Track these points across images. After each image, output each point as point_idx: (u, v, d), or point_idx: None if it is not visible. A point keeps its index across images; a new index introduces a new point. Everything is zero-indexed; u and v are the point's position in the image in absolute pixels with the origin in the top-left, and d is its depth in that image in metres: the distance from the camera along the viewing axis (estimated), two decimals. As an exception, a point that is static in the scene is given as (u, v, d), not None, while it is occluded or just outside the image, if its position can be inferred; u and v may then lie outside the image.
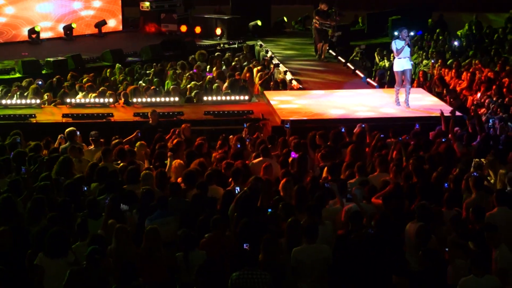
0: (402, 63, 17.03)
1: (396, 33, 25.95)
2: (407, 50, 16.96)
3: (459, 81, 20.10)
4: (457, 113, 15.62)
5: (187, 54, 24.47)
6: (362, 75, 22.35)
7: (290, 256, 9.37)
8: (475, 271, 8.64)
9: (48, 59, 23.22)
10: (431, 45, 25.47)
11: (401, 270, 8.79)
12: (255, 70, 21.77)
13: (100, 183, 11.56)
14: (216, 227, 9.72)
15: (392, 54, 23.55)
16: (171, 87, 19.37)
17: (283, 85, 20.40)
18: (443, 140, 13.60)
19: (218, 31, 28.45)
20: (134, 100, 18.00)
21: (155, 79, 20.39)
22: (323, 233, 9.72)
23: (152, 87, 19.30)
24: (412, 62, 18.23)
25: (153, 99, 18.02)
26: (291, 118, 16.02)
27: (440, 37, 26.20)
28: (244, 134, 14.50)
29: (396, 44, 16.95)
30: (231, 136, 14.28)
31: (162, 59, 23.86)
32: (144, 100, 18.01)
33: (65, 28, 28.73)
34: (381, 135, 13.85)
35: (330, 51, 24.61)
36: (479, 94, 18.34)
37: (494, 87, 18.20)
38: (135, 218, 10.58)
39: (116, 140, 14.06)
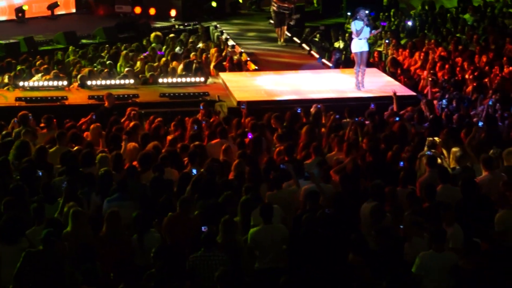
0: (360, 44, 16.95)
1: (349, 14, 26.13)
2: (366, 30, 16.82)
3: (413, 60, 20.25)
4: (411, 93, 15.79)
5: (141, 36, 24.28)
6: (317, 56, 22.42)
7: (247, 236, 9.42)
8: (435, 246, 8.78)
9: (0, 41, 22.85)
10: (386, 25, 25.60)
11: (358, 249, 8.89)
12: (211, 51, 21.71)
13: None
14: (182, 207, 9.71)
15: (347, 35, 23.73)
16: (126, 69, 19.22)
17: (239, 66, 20.38)
18: (397, 119, 13.73)
19: (173, 12, 28.24)
20: (89, 83, 17.82)
21: (109, 62, 20.20)
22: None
23: (106, 70, 19.12)
24: (374, 32, 18.10)
25: (108, 82, 17.87)
26: (247, 100, 16.01)
27: (395, 18, 26.34)
28: (200, 116, 14.48)
29: (355, 25, 16.83)
30: (187, 118, 14.24)
31: (116, 41, 23.63)
32: (98, 83, 17.85)
33: (16, 10, 28.26)
34: (337, 116, 13.93)
35: (286, 32, 24.58)
36: (428, 73, 18.47)
37: (447, 66, 18.38)
38: (96, 200, 10.52)
39: (70, 123, 13.92)
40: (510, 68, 17.51)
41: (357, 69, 17.15)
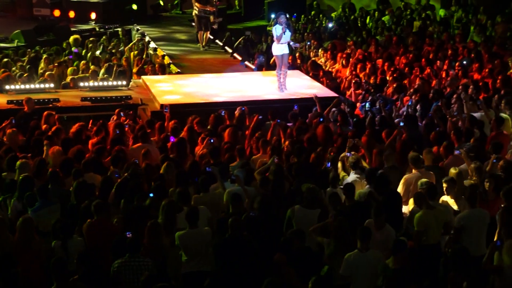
0: (281, 47, 16.94)
1: (272, 16, 26.22)
2: (287, 35, 16.81)
3: (334, 62, 20.47)
4: (333, 94, 15.95)
5: (61, 39, 23.87)
6: (240, 59, 22.45)
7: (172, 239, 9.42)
8: (360, 246, 8.89)
9: None
10: (307, 27, 25.82)
11: (284, 249, 8.93)
12: (132, 54, 21.50)
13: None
14: (99, 213, 9.57)
15: (269, 37, 23.83)
16: (47, 73, 18.86)
17: (161, 70, 20.23)
18: (321, 120, 13.84)
19: (93, 15, 27.86)
20: (7, 87, 17.42)
21: (28, 66, 19.80)
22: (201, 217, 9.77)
23: (25, 74, 18.73)
24: (297, 45, 18.16)
25: (28, 86, 17.50)
26: (170, 103, 15.91)
27: (316, 20, 26.60)
28: (121, 120, 14.31)
29: (276, 31, 16.88)
30: (110, 122, 14.07)
31: (35, 44, 23.18)
32: (18, 87, 17.46)
33: None
34: (260, 117, 13.95)
35: (209, 35, 24.50)
36: (350, 75, 18.70)
37: (368, 67, 18.63)
38: (17, 206, 10.28)
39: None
40: (428, 69, 17.85)
41: (279, 71, 17.21)
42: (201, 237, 9.38)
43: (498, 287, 8.63)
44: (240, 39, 24.28)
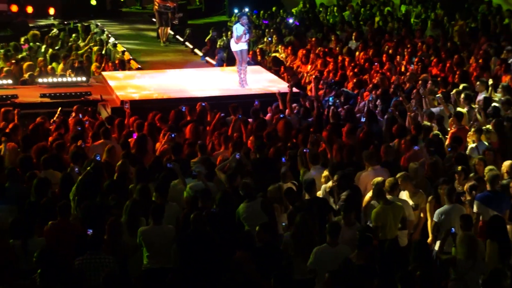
0: (241, 45, 16.97)
1: (236, 11, 26.22)
2: (246, 37, 16.84)
3: (295, 58, 20.51)
4: (295, 90, 15.99)
5: (19, 35, 23.57)
6: (201, 54, 22.41)
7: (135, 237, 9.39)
8: (329, 240, 8.95)
9: None
10: (269, 23, 25.84)
11: (246, 246, 8.94)
12: (93, 50, 21.35)
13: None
14: (62, 214, 9.50)
15: (229, 33, 23.80)
16: (4, 69, 18.63)
17: (122, 65, 20.11)
18: (281, 116, 13.87)
19: (51, 10, 27.56)
20: (-36, 84, 17.20)
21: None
22: (169, 213, 9.75)
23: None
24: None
25: (-16, 83, 17.30)
26: (130, 99, 15.81)
27: (277, 16, 26.64)
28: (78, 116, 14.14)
29: (237, 30, 16.85)
30: (70, 119, 13.93)
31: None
32: (-26, 83, 17.25)
33: None
34: (222, 114, 13.94)
35: (170, 31, 24.42)
36: (312, 71, 18.76)
37: (331, 63, 18.69)
38: None
39: None
40: (388, 64, 17.98)
41: (239, 67, 17.21)
42: (164, 234, 9.36)
43: (453, 278, 8.77)
44: (186, 32, 24.14)
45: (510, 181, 10.63)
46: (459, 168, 10.96)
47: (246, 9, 26.74)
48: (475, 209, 10.02)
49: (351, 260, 8.64)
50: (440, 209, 10.01)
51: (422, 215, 10.50)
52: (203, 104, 14.55)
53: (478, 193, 10.27)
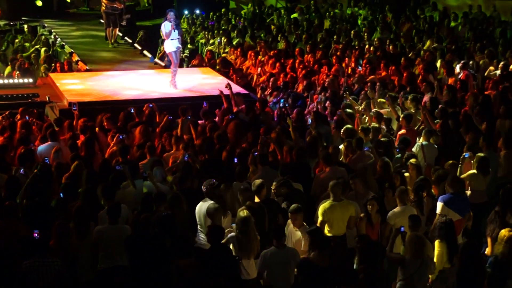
0: (173, 43, 16.79)
1: (186, 12, 26.17)
2: (175, 32, 16.68)
3: (245, 59, 20.56)
4: (243, 91, 16.02)
5: (-36, 35, 23.26)
6: (150, 56, 22.31)
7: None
8: (275, 243, 9.00)
9: None
10: (215, 25, 25.85)
11: (188, 251, 8.98)
12: (41, 52, 21.11)
13: None
14: (8, 215, 9.37)
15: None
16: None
17: (69, 67, 19.91)
18: (231, 117, 13.88)
19: (-3, 11, 27.23)
20: None
21: None
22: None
23: None
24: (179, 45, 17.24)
25: None
26: (78, 101, 15.66)
27: (226, 17, 26.65)
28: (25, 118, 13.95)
29: (165, 28, 16.74)
30: (18, 122, 13.74)
31: None
32: None
33: None
34: (170, 117, 13.86)
35: (118, 32, 24.26)
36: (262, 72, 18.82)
37: (278, 65, 18.77)
38: None
39: None
40: (336, 66, 18.13)
41: (174, 68, 17.08)
42: (120, 233, 9.30)
43: (400, 278, 8.87)
44: (140, 34, 24.04)
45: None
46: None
47: (198, 11, 26.82)
48: (438, 210, 10.09)
49: (310, 261, 8.69)
50: (393, 211, 10.10)
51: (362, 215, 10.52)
52: (151, 105, 14.49)
53: (425, 193, 10.43)
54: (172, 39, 16.72)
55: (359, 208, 10.27)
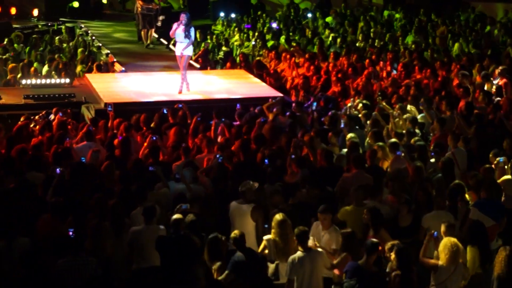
0: (179, 47, 16.62)
1: (222, 14, 26.29)
2: (180, 34, 16.46)
3: (279, 62, 20.56)
4: (278, 94, 16.04)
5: (2, 36, 23.48)
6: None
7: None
8: (301, 247, 8.99)
9: None
10: (250, 28, 25.88)
11: (219, 253, 9.02)
12: (78, 52, 21.33)
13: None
14: (47, 212, 9.50)
15: (214, 37, 23.88)
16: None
17: (105, 68, 20.10)
18: (262, 120, 13.86)
19: (35, 12, 27.52)
20: None
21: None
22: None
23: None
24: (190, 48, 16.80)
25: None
26: (113, 101, 15.81)
27: (261, 20, 26.69)
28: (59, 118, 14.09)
29: (173, 26, 16.72)
30: (54, 122, 13.91)
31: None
32: (-42, 84, 17.19)
33: None
34: (199, 118, 13.86)
35: (154, 33, 24.42)
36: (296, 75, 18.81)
37: (312, 68, 18.76)
38: None
39: None
40: (370, 69, 18.06)
41: (183, 71, 16.91)
42: (155, 234, 9.37)
43: (433, 284, 8.83)
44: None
45: None
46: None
47: (233, 15, 26.89)
48: (471, 215, 10.03)
49: (360, 266, 8.69)
50: (427, 215, 10.04)
51: None
52: (180, 105, 14.53)
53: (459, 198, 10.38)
54: (178, 42, 16.59)
55: (386, 211, 10.24)
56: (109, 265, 9.24)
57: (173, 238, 9.17)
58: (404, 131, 13.06)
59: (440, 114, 14.15)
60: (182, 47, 16.52)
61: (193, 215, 9.59)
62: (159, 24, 24.37)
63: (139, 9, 23.75)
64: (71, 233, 9.03)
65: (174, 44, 17.07)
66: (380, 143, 12.33)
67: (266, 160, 11.63)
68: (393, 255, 8.63)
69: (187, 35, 16.42)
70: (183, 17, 16.49)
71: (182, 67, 16.74)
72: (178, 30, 16.40)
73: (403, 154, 11.69)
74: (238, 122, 13.98)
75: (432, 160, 11.95)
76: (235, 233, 9.16)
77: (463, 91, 15.37)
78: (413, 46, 20.54)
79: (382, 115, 13.93)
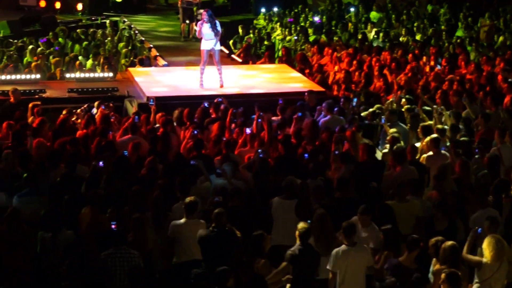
0: (205, 43, 16.52)
1: (263, 10, 26.27)
2: (207, 33, 16.37)
3: (321, 56, 20.48)
4: (320, 88, 15.97)
5: (47, 30, 23.75)
6: (227, 51, 22.42)
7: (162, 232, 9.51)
8: (347, 241, 8.93)
9: None
10: (292, 22, 25.81)
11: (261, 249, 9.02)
12: (119, 46, 21.47)
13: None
14: (92, 203, 9.62)
15: (256, 31, 23.85)
16: (33, 64, 18.77)
17: (148, 62, 20.19)
18: (299, 115, 13.79)
19: (79, 6, 27.77)
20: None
21: (15, 56, 19.70)
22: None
23: (11, 65, 18.64)
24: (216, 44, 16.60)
25: (14, 77, 17.43)
26: (156, 95, 15.88)
27: (303, 14, 26.61)
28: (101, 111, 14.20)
29: (197, 25, 16.68)
30: (97, 115, 14.02)
31: (21, 35, 23.04)
32: (3, 77, 17.38)
33: None
34: (234, 110, 13.82)
35: (195, 27, 24.45)
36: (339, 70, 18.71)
37: (354, 62, 18.66)
38: (1, 198, 10.27)
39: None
40: (414, 64, 17.91)
41: (202, 67, 16.82)
42: (197, 228, 9.40)
43: (476, 281, 8.74)
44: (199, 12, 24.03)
45: None
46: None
47: (276, 9, 26.84)
48: None
49: (401, 263, 8.61)
50: (476, 215, 9.89)
51: None
52: (220, 99, 14.55)
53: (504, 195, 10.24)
54: (206, 40, 16.53)
55: (427, 207, 10.14)
56: (150, 258, 9.30)
57: (216, 232, 9.19)
58: (446, 127, 12.92)
59: (484, 110, 13.97)
60: (211, 43, 16.49)
61: (235, 209, 9.62)
62: (199, 17, 24.37)
63: (180, 2, 23.86)
64: (113, 226, 9.10)
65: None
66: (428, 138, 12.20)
67: (305, 155, 11.59)
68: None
69: (215, 31, 16.42)
70: (204, 15, 16.49)
71: (216, 62, 16.74)
72: (203, 29, 16.39)
73: (448, 150, 11.56)
74: (279, 117, 13.95)
75: (477, 156, 11.80)
76: (303, 226, 9.08)
77: (508, 86, 15.16)
78: (458, 40, 20.29)
79: (425, 110, 13.81)
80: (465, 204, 10.34)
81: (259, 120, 13.19)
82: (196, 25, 23.57)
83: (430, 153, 11.90)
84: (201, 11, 16.64)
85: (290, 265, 8.82)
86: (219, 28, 16.55)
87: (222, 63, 17.55)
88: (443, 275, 8.06)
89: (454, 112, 13.61)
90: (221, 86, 16.90)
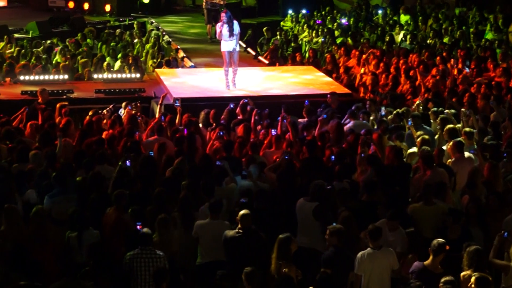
0: (227, 44, 16.52)
1: (290, 11, 26.26)
2: (227, 34, 16.36)
3: (348, 58, 20.43)
4: (346, 90, 15.92)
5: (75, 31, 23.93)
6: (253, 53, 22.45)
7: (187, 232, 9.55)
8: (372, 244, 8.89)
9: None
10: (321, 24, 25.75)
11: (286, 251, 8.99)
12: (146, 47, 21.56)
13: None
14: (117, 203, 9.67)
15: (283, 33, 23.84)
16: (61, 64, 18.92)
17: (175, 63, 20.27)
18: (324, 117, 13.74)
19: (107, 7, 27.94)
20: (22, 77, 17.48)
21: (44, 56, 19.86)
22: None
23: (39, 65, 18.79)
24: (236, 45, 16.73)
25: (42, 77, 17.57)
26: (182, 97, 15.94)
27: (330, 16, 26.55)
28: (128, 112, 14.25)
29: (217, 27, 16.66)
30: (124, 115, 14.09)
31: (50, 35, 23.24)
32: (32, 78, 17.53)
33: None
34: (258, 111, 13.80)
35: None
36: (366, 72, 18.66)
37: (381, 65, 18.58)
38: (33, 197, 10.33)
39: (4, 119, 13.65)
40: (441, 66, 17.80)
41: (226, 68, 16.81)
42: (221, 229, 9.43)
43: (503, 284, 8.68)
44: (248, 33, 24.13)
45: None
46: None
47: (304, 11, 26.80)
48: None
49: (426, 267, 8.57)
50: (509, 217, 9.79)
51: None
52: (245, 100, 14.56)
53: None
54: (225, 41, 16.50)
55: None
56: (175, 259, 9.32)
57: (242, 233, 9.20)
58: (473, 130, 12.82)
59: (513, 113, 13.87)
60: (231, 43, 16.48)
61: (259, 209, 9.62)
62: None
63: (204, 3, 23.89)
64: (139, 226, 9.13)
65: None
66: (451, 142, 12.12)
67: (332, 157, 11.57)
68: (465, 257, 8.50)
69: (234, 32, 16.41)
70: (223, 16, 16.47)
71: (234, 62, 16.71)
72: (223, 31, 16.38)
73: (475, 153, 11.47)
74: (306, 119, 13.93)
75: (505, 160, 11.69)
76: (339, 227, 9.07)
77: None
78: (487, 43, 20.14)
79: (452, 113, 13.71)
80: (489, 211, 10.20)
81: (284, 121, 13.18)
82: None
83: (454, 158, 11.79)
84: (223, 14, 16.54)
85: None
86: (238, 29, 16.56)
87: (249, 64, 17.53)
88: (473, 279, 7.98)
89: (482, 115, 13.49)
90: (229, 87, 16.83)
